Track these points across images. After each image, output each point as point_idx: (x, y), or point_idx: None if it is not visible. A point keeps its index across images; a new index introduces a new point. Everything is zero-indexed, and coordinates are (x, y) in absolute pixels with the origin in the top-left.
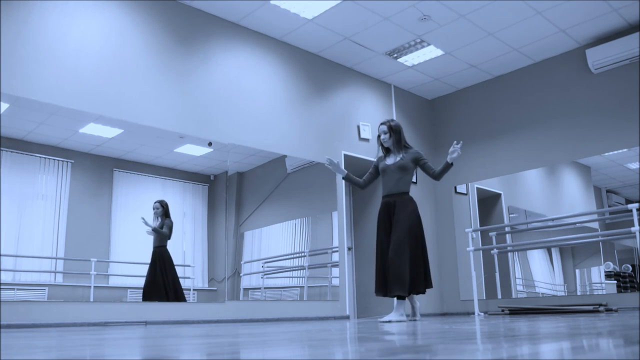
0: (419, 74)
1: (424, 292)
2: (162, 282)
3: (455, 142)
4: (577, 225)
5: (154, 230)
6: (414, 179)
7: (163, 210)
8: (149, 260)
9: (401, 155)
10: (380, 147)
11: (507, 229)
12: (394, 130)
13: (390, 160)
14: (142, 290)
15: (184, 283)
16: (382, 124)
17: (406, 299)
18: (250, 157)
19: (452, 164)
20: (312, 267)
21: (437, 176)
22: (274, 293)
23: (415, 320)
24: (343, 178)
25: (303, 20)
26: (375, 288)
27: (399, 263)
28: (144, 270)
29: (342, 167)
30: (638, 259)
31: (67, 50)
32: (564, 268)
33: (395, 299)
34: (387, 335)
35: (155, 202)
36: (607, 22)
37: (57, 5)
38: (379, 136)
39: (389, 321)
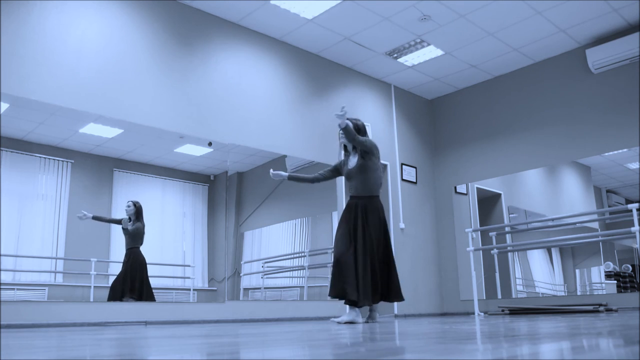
0: (419, 74)
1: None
2: (129, 284)
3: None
4: (577, 225)
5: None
6: (411, 178)
7: (135, 210)
8: (148, 260)
9: (358, 155)
10: (341, 147)
11: (507, 229)
12: (358, 129)
13: (351, 163)
14: (109, 290)
15: (183, 283)
16: (347, 119)
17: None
18: (250, 157)
19: (345, 127)
20: (312, 267)
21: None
22: (274, 293)
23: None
24: (288, 179)
25: (303, 20)
26: (331, 284)
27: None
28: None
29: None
30: (638, 259)
31: (66, 50)
32: (564, 268)
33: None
34: (387, 335)
35: (128, 201)
36: (607, 22)
37: (56, 5)
38: (340, 133)
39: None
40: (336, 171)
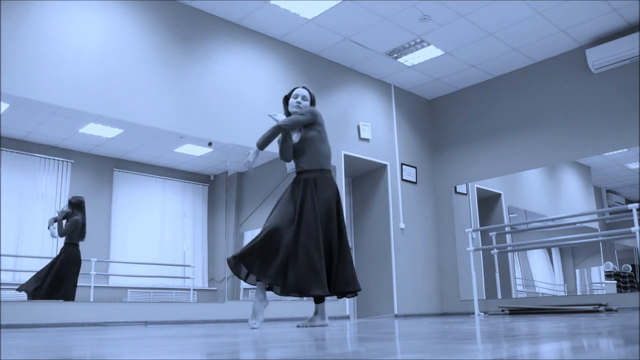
0: (419, 74)
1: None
2: (50, 281)
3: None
4: (577, 225)
5: (56, 220)
6: (411, 178)
7: (71, 204)
8: (148, 260)
9: (302, 128)
10: (284, 112)
11: (507, 229)
12: (314, 102)
13: (295, 138)
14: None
15: (183, 283)
16: (304, 87)
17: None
18: None
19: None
20: None
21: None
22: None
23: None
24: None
25: (303, 20)
26: (250, 263)
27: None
28: (144, 270)
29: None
30: (638, 259)
31: (67, 50)
32: (564, 268)
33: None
34: (387, 335)
35: (70, 197)
36: (607, 22)
37: (56, 4)
38: (286, 98)
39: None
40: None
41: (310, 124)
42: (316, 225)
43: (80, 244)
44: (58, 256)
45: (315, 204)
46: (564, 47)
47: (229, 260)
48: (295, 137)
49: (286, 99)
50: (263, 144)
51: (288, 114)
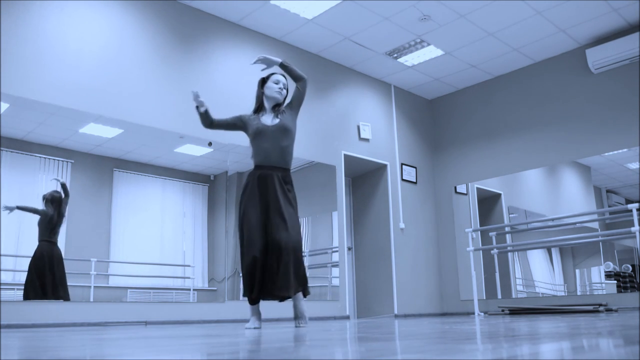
0: (419, 74)
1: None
2: (48, 281)
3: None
4: (577, 225)
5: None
6: (411, 178)
7: (51, 198)
8: (148, 260)
9: (279, 115)
10: (257, 99)
11: (507, 229)
12: (289, 90)
13: (266, 119)
14: (23, 289)
15: (183, 283)
16: (283, 75)
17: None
18: (250, 157)
19: (282, 64)
20: (312, 267)
21: (297, 80)
22: None
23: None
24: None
25: (303, 20)
26: (249, 290)
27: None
28: (144, 270)
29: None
30: (638, 259)
31: (67, 50)
32: (564, 268)
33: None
34: (387, 335)
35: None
36: (607, 22)
37: (56, 4)
38: (263, 81)
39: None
40: (240, 124)
41: (296, 108)
42: (299, 222)
43: (81, 244)
44: (33, 255)
45: (289, 203)
46: (564, 47)
47: (254, 300)
48: (268, 119)
49: (263, 81)
50: (287, 68)
51: (261, 96)
